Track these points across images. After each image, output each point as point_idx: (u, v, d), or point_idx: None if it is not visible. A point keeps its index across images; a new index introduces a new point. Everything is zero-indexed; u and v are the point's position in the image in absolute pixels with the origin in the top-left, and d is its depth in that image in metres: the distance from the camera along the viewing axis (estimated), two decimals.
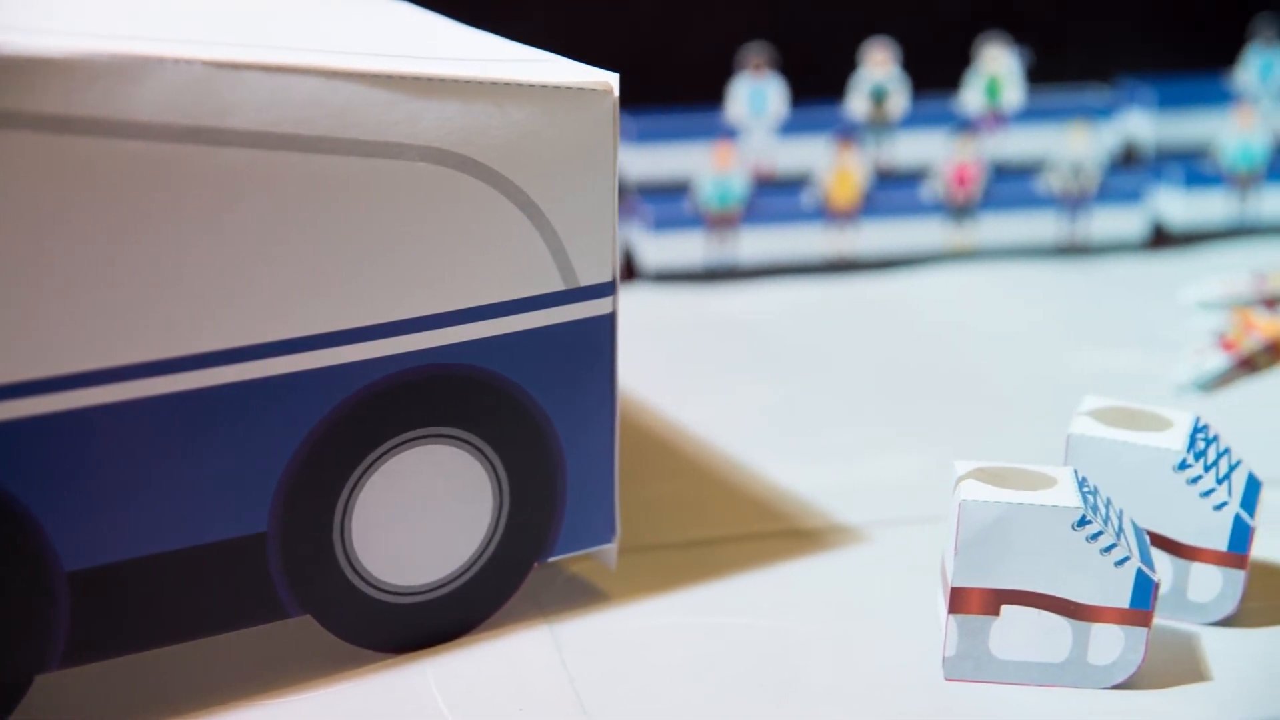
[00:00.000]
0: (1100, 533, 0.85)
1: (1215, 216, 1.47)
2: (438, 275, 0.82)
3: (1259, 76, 1.50)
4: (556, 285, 0.86)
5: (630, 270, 1.38)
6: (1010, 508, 0.84)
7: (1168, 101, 1.49)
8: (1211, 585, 0.91)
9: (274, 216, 0.78)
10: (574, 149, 0.84)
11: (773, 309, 1.34)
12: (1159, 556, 0.92)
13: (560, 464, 0.88)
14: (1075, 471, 0.88)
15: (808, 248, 1.39)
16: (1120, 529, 0.86)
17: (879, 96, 1.42)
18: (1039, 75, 1.55)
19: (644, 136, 1.39)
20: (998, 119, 1.45)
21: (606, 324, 0.88)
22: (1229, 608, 0.92)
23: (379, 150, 0.80)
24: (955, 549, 0.85)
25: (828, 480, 1.06)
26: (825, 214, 1.38)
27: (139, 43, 0.75)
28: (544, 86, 0.83)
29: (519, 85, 0.83)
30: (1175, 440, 0.91)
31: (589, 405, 0.89)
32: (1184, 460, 0.90)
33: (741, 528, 1.01)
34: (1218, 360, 1.20)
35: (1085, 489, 0.87)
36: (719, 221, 1.36)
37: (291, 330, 0.80)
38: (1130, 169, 1.50)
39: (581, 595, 0.93)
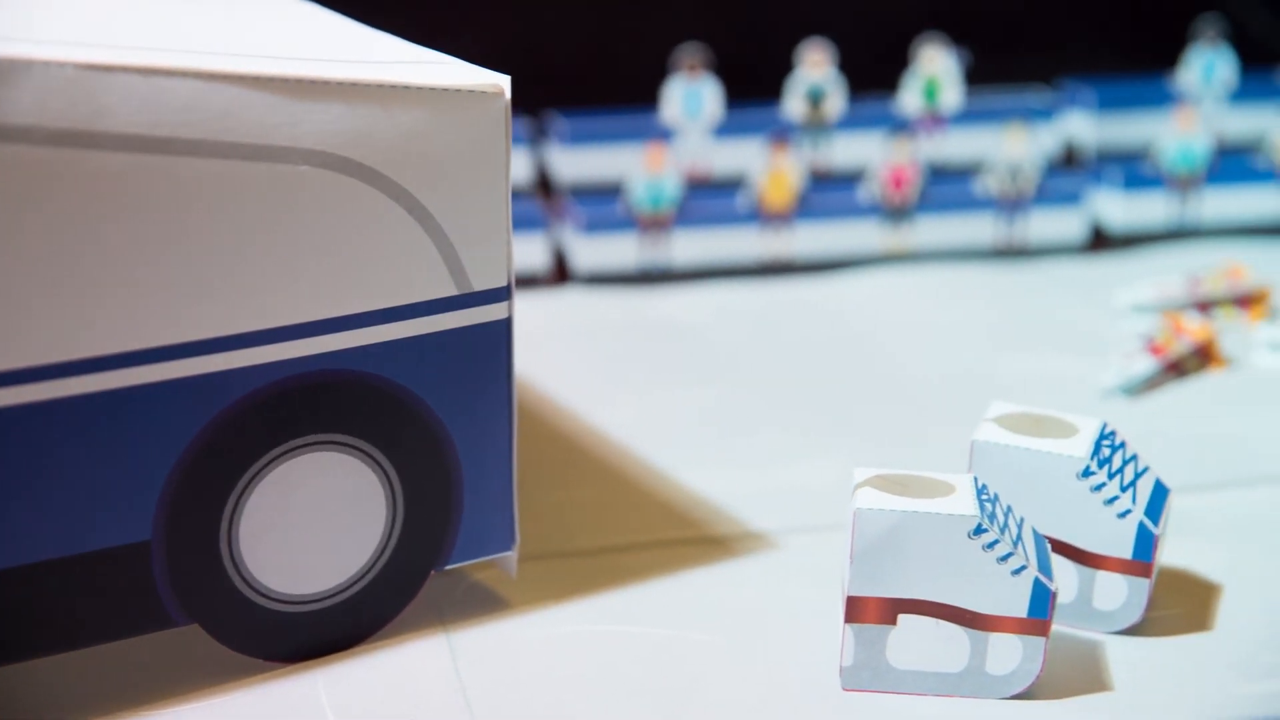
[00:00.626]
0: (997, 541, 0.84)
1: (1155, 219, 1.46)
2: (323, 280, 0.81)
3: (1201, 78, 1.50)
4: (449, 290, 0.85)
5: (563, 273, 1.37)
6: (905, 516, 0.84)
7: (1108, 103, 1.48)
8: (1116, 594, 0.91)
9: (152, 221, 0.77)
10: (465, 152, 0.83)
11: (705, 312, 1.32)
12: (1064, 565, 0.91)
13: (456, 471, 0.87)
14: (976, 479, 0.87)
15: (742, 250, 1.38)
16: (1019, 537, 0.85)
17: (816, 98, 1.41)
18: (982, 77, 1.55)
19: (575, 138, 1.38)
20: (936, 121, 1.44)
21: (502, 329, 0.87)
22: (1134, 616, 0.91)
23: (260, 154, 0.79)
24: (851, 558, 0.84)
25: (744, 486, 1.05)
26: (760, 216, 1.37)
27: (8, 44, 0.74)
28: (432, 89, 0.82)
29: (406, 88, 0.82)
30: (1079, 447, 0.90)
31: (485, 411, 0.88)
32: (1087, 467, 0.89)
33: (651, 534, 1.00)
34: (1144, 364, 1.19)
35: (985, 497, 0.86)
36: (651, 224, 1.35)
37: (171, 337, 0.78)
38: (1070, 171, 1.49)
39: (482, 604, 0.92)
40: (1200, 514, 1.03)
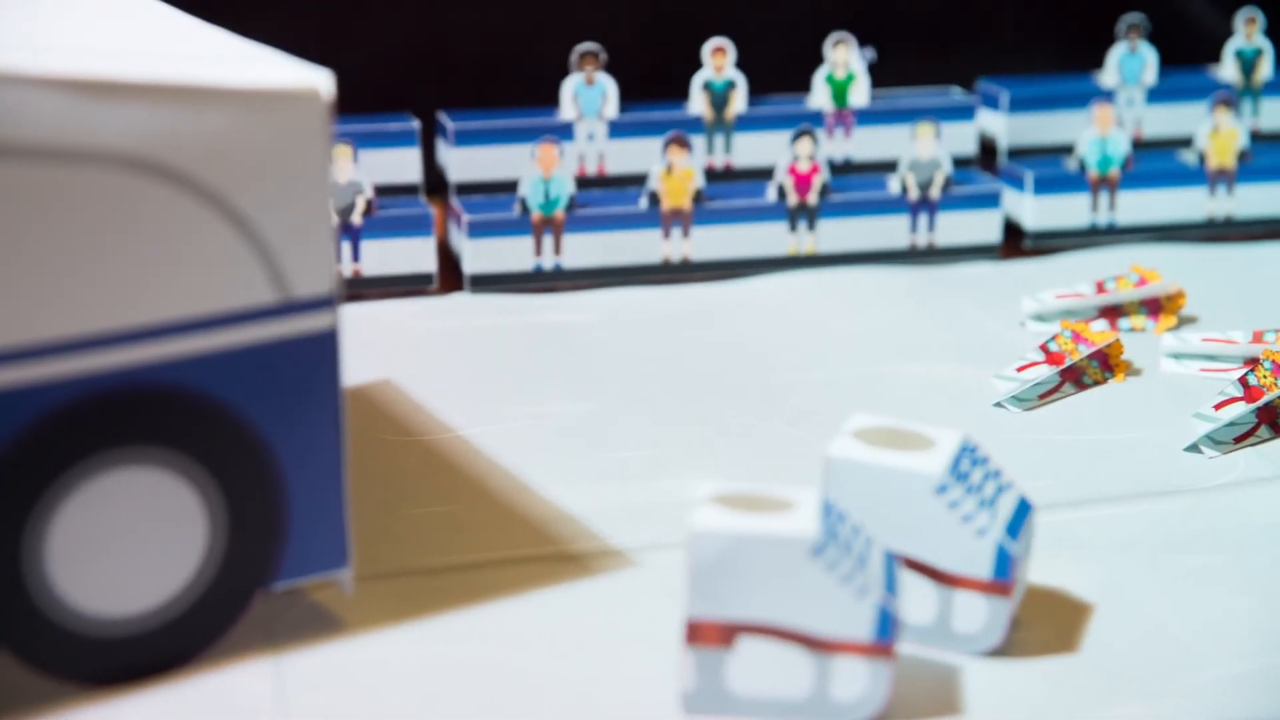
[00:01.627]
0: (838, 562, 0.80)
1: (1072, 220, 1.42)
2: (127, 288, 0.78)
3: (1122, 78, 1.46)
4: (266, 297, 0.81)
5: (453, 277, 1.33)
6: (740, 538, 0.80)
7: (1025, 102, 1.44)
8: (976, 615, 0.87)
9: None
10: (282, 155, 0.80)
11: (598, 317, 1.29)
12: (922, 585, 0.87)
13: (282, 487, 0.84)
14: (823, 496, 0.83)
15: (639, 252, 1.34)
16: (865, 558, 0.82)
17: (719, 97, 1.37)
18: (903, 77, 1.51)
19: (463, 139, 1.34)
20: (844, 120, 1.40)
21: (327, 340, 0.83)
22: (995, 638, 0.87)
23: (56, 156, 0.75)
24: (689, 579, 0.81)
25: (609, 501, 1.02)
26: (659, 217, 1.33)
27: None
28: (244, 91, 0.78)
29: (216, 89, 0.78)
30: (935, 463, 0.86)
31: (313, 425, 0.84)
32: (943, 484, 0.86)
33: (507, 551, 0.96)
34: (1040, 373, 1.15)
35: (830, 515, 0.82)
36: (544, 225, 1.31)
37: None
38: (985, 171, 1.45)
39: (316, 625, 0.88)
40: (1082, 529, 1.00)
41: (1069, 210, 1.42)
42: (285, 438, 0.83)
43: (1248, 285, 1.35)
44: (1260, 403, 1.09)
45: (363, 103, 1.41)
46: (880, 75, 1.49)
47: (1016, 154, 1.46)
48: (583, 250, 1.33)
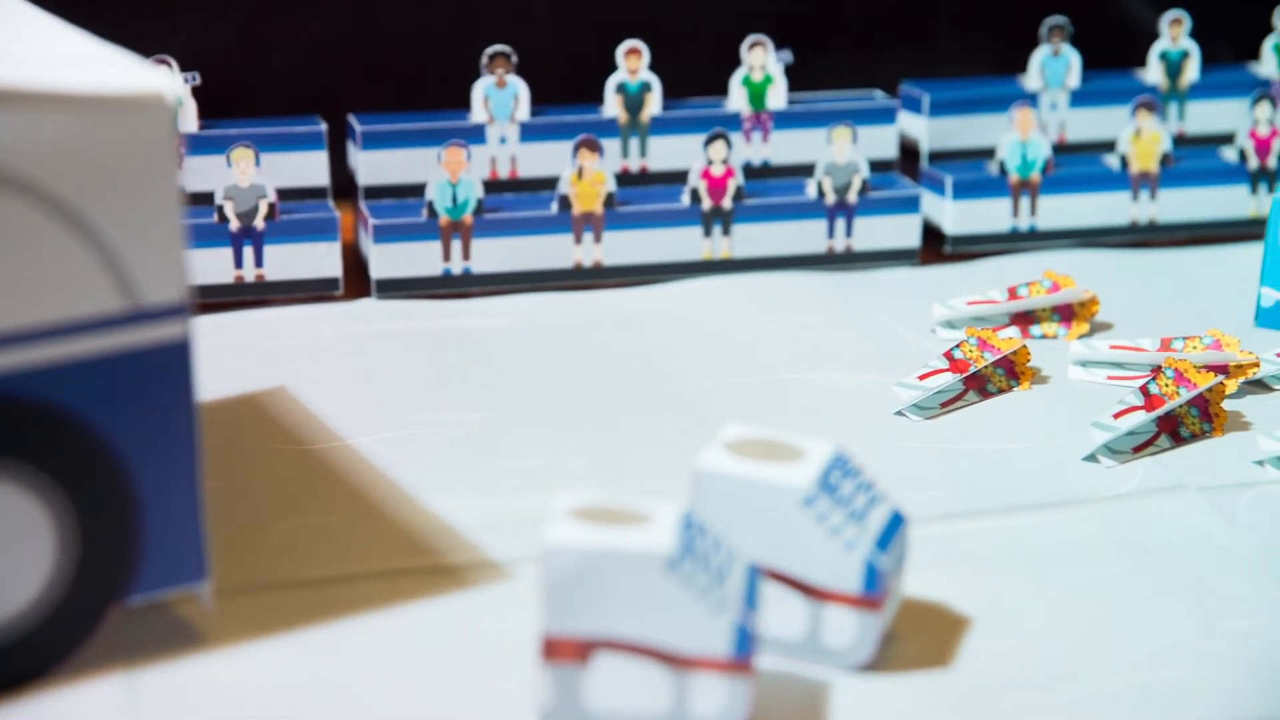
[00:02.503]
0: (695, 577, 0.79)
1: (993, 225, 1.40)
2: None
3: (1045, 81, 1.44)
4: (112, 305, 0.79)
5: (362, 282, 1.31)
6: (593, 553, 0.78)
7: (946, 106, 1.43)
8: (846, 629, 0.85)
9: None
10: (126, 161, 0.78)
11: (505, 323, 1.27)
12: (792, 599, 0.86)
13: (134, 500, 0.82)
14: (685, 509, 0.82)
15: (551, 257, 1.32)
16: (724, 572, 0.80)
17: (635, 99, 1.36)
18: (834, 79, 1.49)
19: (371, 142, 1.32)
20: (761, 123, 1.38)
21: (180, 349, 0.81)
22: (865, 653, 0.85)
23: None
24: (543, 595, 0.79)
25: (494, 511, 1.00)
26: (570, 221, 1.32)
27: None
28: (86, 96, 0.77)
29: (56, 94, 0.76)
30: (804, 475, 0.85)
31: (166, 436, 0.82)
32: (811, 497, 0.84)
33: (381, 564, 0.95)
34: (942, 381, 1.14)
35: (690, 529, 0.81)
36: (452, 230, 1.30)
37: None
38: (907, 176, 1.43)
39: (174, 641, 0.87)
40: (971, 540, 0.98)
41: (989, 215, 1.40)
42: (137, 449, 0.81)
43: (1167, 291, 1.34)
44: (1161, 411, 1.08)
45: (289, 105, 1.40)
46: (816, 78, 1.48)
47: (938, 158, 1.44)
48: (493, 255, 1.31)
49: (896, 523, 0.87)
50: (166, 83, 0.79)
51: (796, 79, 1.46)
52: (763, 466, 0.85)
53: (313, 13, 1.48)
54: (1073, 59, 1.44)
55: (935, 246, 1.41)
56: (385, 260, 1.29)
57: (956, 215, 1.40)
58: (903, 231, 1.38)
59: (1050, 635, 0.89)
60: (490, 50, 1.33)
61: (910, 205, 1.38)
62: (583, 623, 0.79)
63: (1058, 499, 1.03)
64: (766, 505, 0.85)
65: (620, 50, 1.35)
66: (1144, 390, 1.09)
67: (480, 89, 1.34)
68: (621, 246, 1.33)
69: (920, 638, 0.89)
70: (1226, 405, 1.13)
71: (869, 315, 1.29)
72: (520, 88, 1.34)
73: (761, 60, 1.37)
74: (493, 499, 1.01)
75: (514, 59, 1.33)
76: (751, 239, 1.35)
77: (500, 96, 1.34)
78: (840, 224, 1.36)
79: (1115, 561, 0.96)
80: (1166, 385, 1.09)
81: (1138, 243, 1.43)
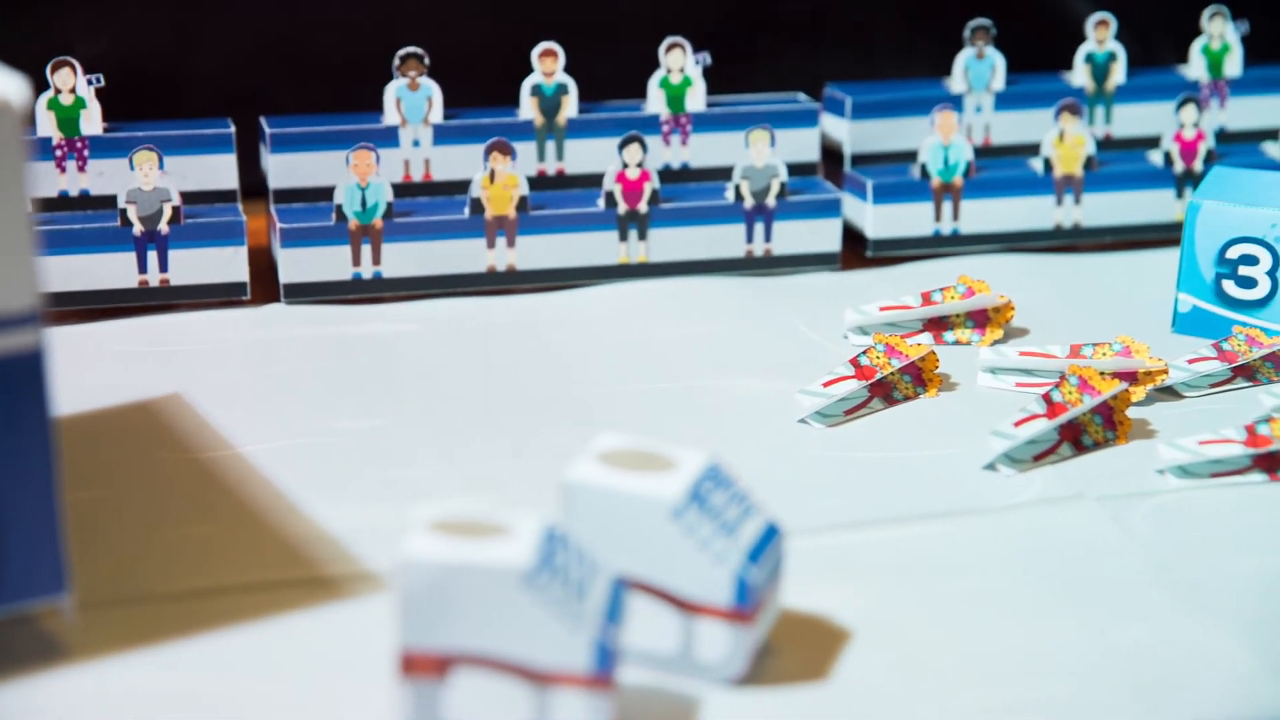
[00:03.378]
0: (553, 591, 0.77)
1: (915, 229, 1.39)
2: None
3: (970, 83, 1.43)
4: None
5: (272, 286, 1.30)
6: (449, 568, 0.77)
7: (869, 108, 1.41)
8: (718, 643, 0.84)
9: None
10: None
11: (415, 328, 1.25)
12: (664, 613, 0.84)
13: None
14: (547, 521, 0.80)
15: (463, 261, 1.30)
16: (585, 586, 0.79)
17: (551, 101, 1.34)
18: (773, 81, 1.48)
19: (280, 145, 1.30)
20: (680, 126, 1.37)
21: (32, 357, 0.80)
22: (738, 666, 0.84)
23: None
24: (400, 610, 0.78)
25: (374, 522, 0.98)
26: (483, 225, 1.30)
27: None
28: None
29: None
30: (673, 487, 0.83)
31: (20, 448, 0.81)
32: (679, 509, 0.83)
33: (256, 575, 0.93)
34: (847, 388, 1.12)
35: (551, 541, 0.79)
36: (361, 234, 1.28)
37: None
38: (831, 179, 1.42)
39: (37, 656, 0.85)
40: (862, 551, 0.97)
41: (911, 219, 1.39)
42: None
43: (1088, 297, 1.32)
44: (1062, 419, 1.06)
45: (219, 106, 1.38)
46: (753, 80, 1.47)
47: (863, 161, 1.42)
48: (404, 259, 1.29)
49: (770, 535, 0.86)
50: (15, 90, 0.77)
51: (733, 80, 1.45)
52: (632, 478, 0.84)
53: (244, 12, 1.46)
54: (997, 61, 1.43)
55: (858, 251, 1.40)
56: (293, 265, 1.28)
57: (877, 219, 1.38)
58: (823, 236, 1.36)
59: (931, 648, 0.88)
60: (402, 52, 1.31)
61: (830, 209, 1.36)
62: (440, 638, 0.78)
63: (953, 509, 1.01)
64: (635, 518, 0.83)
65: (535, 52, 1.34)
66: (1046, 398, 1.07)
67: (392, 91, 1.32)
68: (536, 251, 1.32)
69: (798, 650, 0.87)
70: (1133, 413, 1.12)
71: (783, 321, 1.27)
72: (433, 90, 1.32)
73: (680, 62, 1.36)
74: (375, 509, 1.00)
75: (426, 61, 1.32)
76: (669, 243, 1.34)
77: (413, 99, 1.32)
78: (759, 228, 1.35)
79: (1005, 573, 0.95)
80: (1070, 393, 1.08)
81: (1062, 247, 1.42)
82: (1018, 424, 1.06)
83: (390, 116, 1.32)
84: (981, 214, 1.40)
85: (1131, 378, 1.14)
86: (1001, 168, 1.42)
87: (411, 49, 1.31)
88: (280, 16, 1.48)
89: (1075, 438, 1.08)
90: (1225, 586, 0.93)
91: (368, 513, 0.99)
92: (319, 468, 1.04)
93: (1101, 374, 1.10)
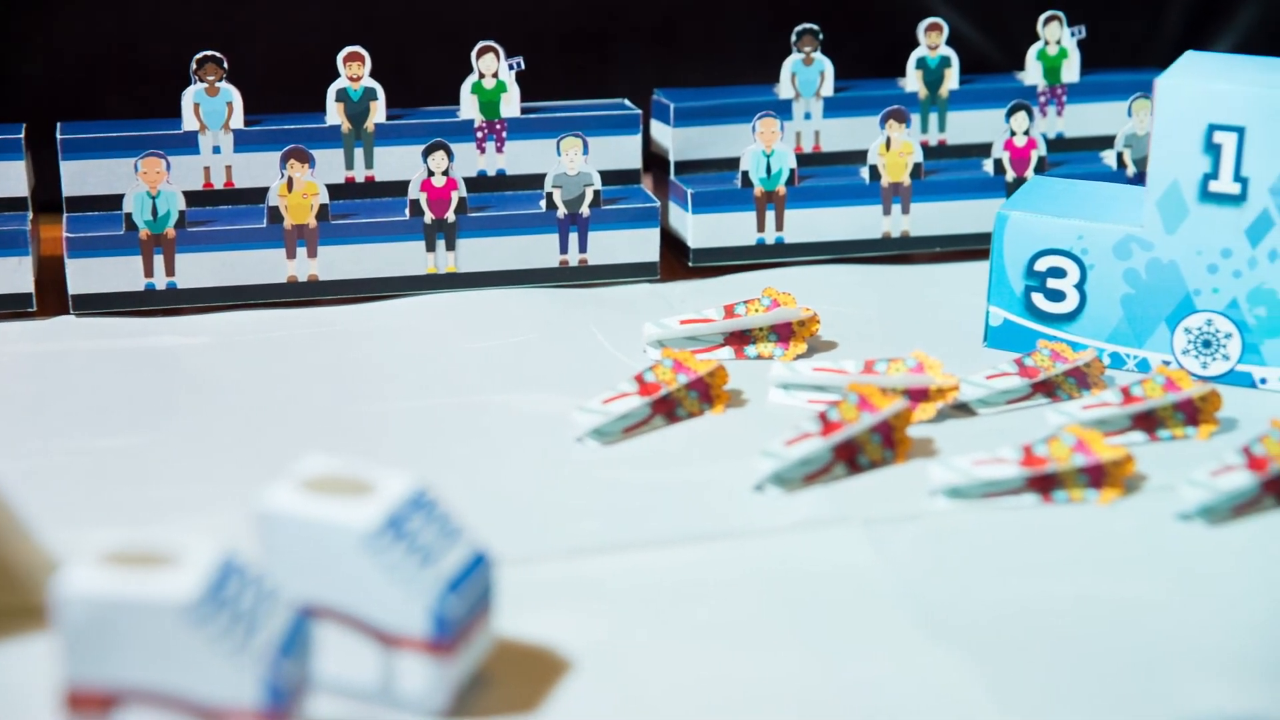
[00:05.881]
0: (220, 625, 0.74)
1: (737, 238, 1.36)
2: None
3: (798, 90, 1.39)
4: None
5: (59, 298, 1.26)
6: (110, 602, 0.73)
7: (693, 115, 1.38)
8: (418, 675, 0.80)
9: None
10: None
11: (206, 341, 1.22)
12: (364, 644, 0.81)
13: None
14: (229, 550, 0.77)
15: (263, 272, 1.27)
16: (257, 620, 0.75)
17: (358, 107, 1.31)
18: (628, 89, 1.44)
19: (72, 151, 1.26)
20: (496, 132, 1.33)
21: None
22: (439, 699, 0.81)
23: None
24: (61, 644, 0.74)
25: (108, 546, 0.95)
26: (283, 235, 1.27)
27: None
28: None
29: None
30: (367, 514, 0.80)
31: None
32: (372, 537, 0.79)
33: None
34: (628, 405, 1.09)
35: (226, 572, 0.76)
36: (153, 243, 1.24)
37: None
38: (657, 187, 1.39)
39: None
40: (608, 577, 0.93)
41: (734, 228, 1.35)
42: None
43: (908, 309, 1.29)
44: (837, 438, 1.03)
45: (53, 109, 1.35)
46: (605, 84, 1.44)
47: (690, 168, 1.39)
48: (200, 269, 1.26)
49: (476, 564, 0.82)
50: None
51: (587, 85, 1.42)
52: (327, 504, 0.80)
53: (72, 14, 1.43)
54: (826, 66, 1.39)
55: (683, 261, 1.37)
56: (82, 275, 1.24)
57: (698, 229, 1.35)
58: (642, 246, 1.33)
59: (654, 680, 0.85)
60: (199, 56, 1.28)
61: (649, 218, 1.33)
62: (105, 673, 0.74)
63: (714, 532, 0.98)
64: (328, 546, 0.80)
65: (340, 56, 1.30)
66: (822, 416, 1.04)
67: (190, 96, 1.28)
68: (340, 261, 1.28)
69: (513, 682, 0.84)
70: (923, 431, 1.09)
71: (586, 334, 1.24)
72: (233, 95, 1.29)
73: (492, 67, 1.33)
74: (114, 532, 0.96)
75: (225, 65, 1.28)
76: (479, 253, 1.31)
77: (212, 104, 1.29)
78: (574, 238, 1.32)
79: (749, 600, 0.92)
80: (848, 411, 1.04)
81: (894, 257, 1.39)
82: (789, 443, 1.03)
83: (189, 122, 1.29)
84: (808, 223, 1.36)
85: (923, 395, 1.11)
86: (831, 176, 1.39)
87: (209, 53, 1.28)
88: (110, 22, 1.45)
89: (851, 457, 1.05)
90: (971, 615, 0.90)
91: (98, 537, 0.95)
92: (68, 488, 1.01)
93: (883, 391, 1.07)
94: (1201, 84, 1.13)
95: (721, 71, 1.51)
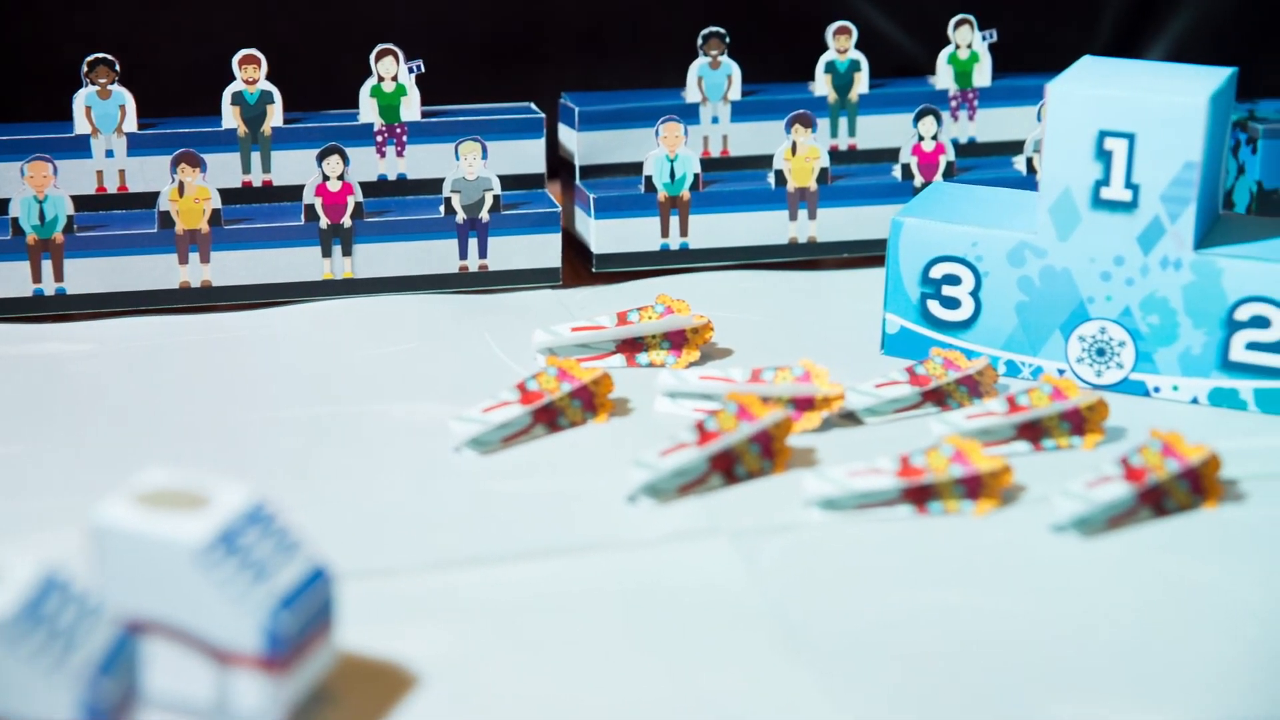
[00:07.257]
0: (35, 643, 0.72)
1: (641, 244, 1.34)
2: None
3: (705, 94, 1.38)
4: None
5: None
6: None
7: (597, 119, 1.36)
8: (252, 692, 0.79)
9: None
10: None
11: (91, 349, 1.20)
12: (199, 661, 0.79)
13: None
14: (48, 566, 0.75)
15: (155, 278, 1.25)
16: (75, 639, 0.74)
17: (256, 110, 1.29)
18: (554, 87, 1.43)
19: None
20: (395, 135, 1.32)
21: None
22: (274, 716, 0.79)
23: None
24: None
25: None
26: (174, 240, 1.25)
27: None
28: None
29: None
30: (198, 529, 0.78)
31: None
32: (204, 552, 0.78)
33: None
34: (508, 414, 1.07)
35: (47, 589, 0.74)
36: (41, 248, 1.23)
37: None
38: (555, 191, 1.37)
39: None
40: (464, 591, 0.92)
41: (638, 233, 1.34)
42: None
43: (808, 315, 1.28)
44: (713, 448, 1.02)
45: None
46: (533, 88, 1.43)
47: (596, 172, 1.38)
48: (91, 275, 1.24)
49: (314, 578, 0.81)
50: None
51: (513, 90, 1.41)
52: (160, 519, 0.79)
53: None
54: (733, 70, 1.38)
55: (588, 267, 1.35)
56: None
57: (601, 234, 1.33)
58: (543, 251, 1.32)
59: (502, 695, 0.83)
60: (90, 58, 1.26)
61: (549, 224, 1.32)
62: None
63: (579, 544, 0.96)
64: (159, 561, 0.78)
65: (235, 59, 1.29)
66: (700, 426, 1.03)
67: (81, 99, 1.27)
68: (233, 266, 1.27)
69: (355, 698, 0.82)
70: (806, 441, 1.07)
71: (480, 342, 1.23)
72: (126, 98, 1.27)
73: (392, 70, 1.31)
74: None
75: (117, 68, 1.27)
76: (377, 259, 1.29)
77: (104, 107, 1.27)
78: (473, 243, 1.30)
79: (608, 613, 0.90)
80: (726, 420, 1.03)
81: (803, 263, 1.38)
82: (664, 453, 1.01)
83: (80, 125, 1.27)
84: (713, 228, 1.35)
85: (809, 403, 1.10)
86: (737, 181, 1.37)
87: (101, 55, 1.26)
88: (25, 27, 1.43)
89: (728, 468, 1.03)
90: (832, 629, 0.88)
91: None
92: None
93: (764, 400, 1.05)
94: (1092, 90, 1.12)
95: (647, 76, 1.50)
